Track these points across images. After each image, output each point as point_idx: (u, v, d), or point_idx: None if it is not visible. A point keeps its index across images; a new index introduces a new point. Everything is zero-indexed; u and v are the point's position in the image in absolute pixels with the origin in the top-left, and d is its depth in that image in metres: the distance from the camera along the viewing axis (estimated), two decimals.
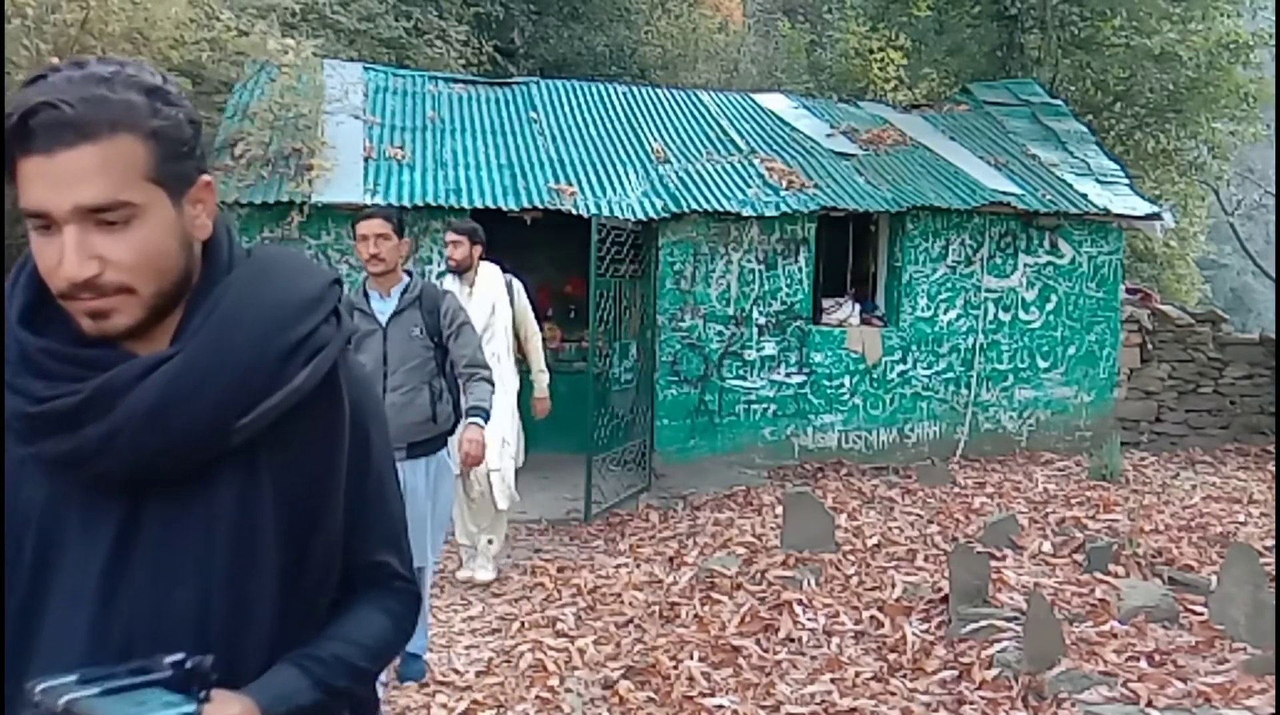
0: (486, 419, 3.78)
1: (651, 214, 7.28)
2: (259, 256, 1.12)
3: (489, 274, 4.86)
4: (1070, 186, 8.56)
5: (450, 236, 4.84)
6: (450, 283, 4.70)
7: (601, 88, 9.72)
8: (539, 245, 7.86)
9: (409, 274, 3.70)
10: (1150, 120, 12.21)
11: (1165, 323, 8.93)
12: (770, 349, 7.73)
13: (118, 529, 1.02)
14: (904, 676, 3.53)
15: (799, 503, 4.88)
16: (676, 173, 8.01)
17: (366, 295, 3.66)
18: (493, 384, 3.83)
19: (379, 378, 3.38)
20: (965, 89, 11.24)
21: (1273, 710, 2.92)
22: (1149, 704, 3.01)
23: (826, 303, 8.14)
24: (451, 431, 3.65)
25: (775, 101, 10.09)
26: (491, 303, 4.79)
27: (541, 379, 5.23)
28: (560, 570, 5.22)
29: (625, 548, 5.69)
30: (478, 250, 4.78)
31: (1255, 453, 8.51)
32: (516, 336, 5.07)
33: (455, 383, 3.67)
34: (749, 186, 7.87)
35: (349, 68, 8.85)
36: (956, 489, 6.56)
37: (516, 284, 4.99)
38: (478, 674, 3.87)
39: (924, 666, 3.55)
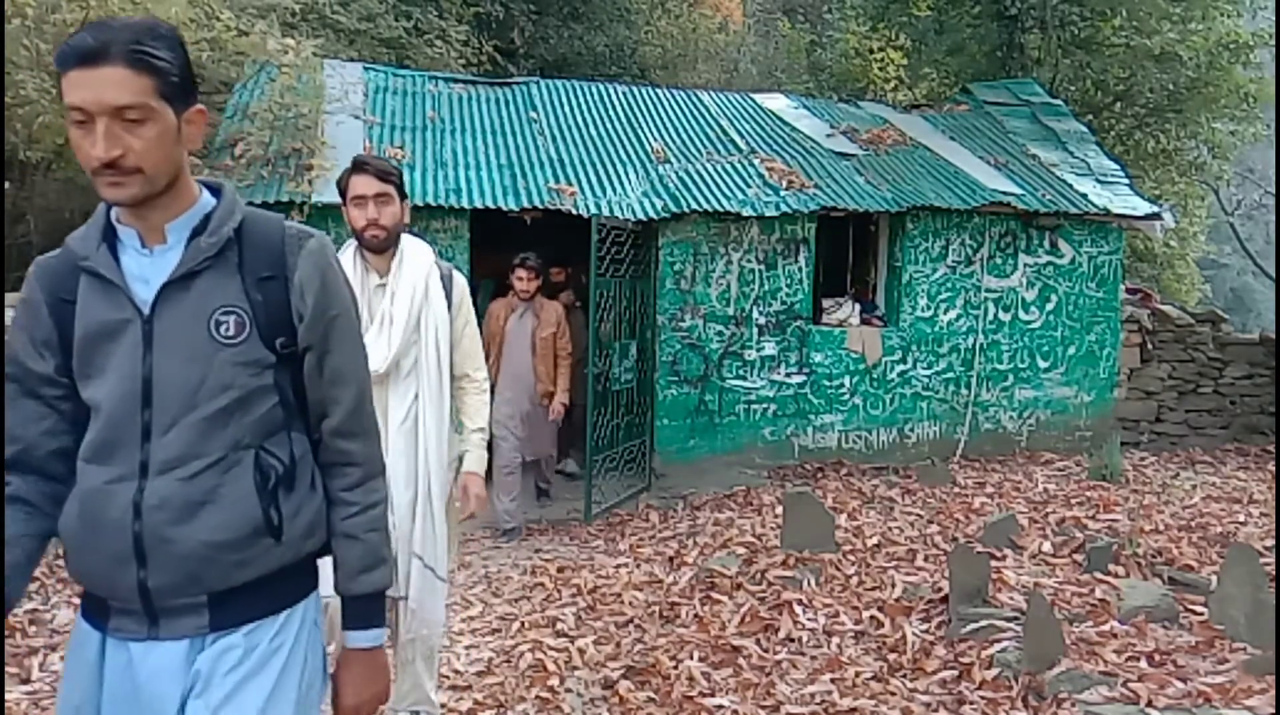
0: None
1: (651, 214, 7.28)
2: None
3: (417, 256, 2.98)
4: (1070, 186, 8.57)
5: (356, 183, 2.85)
6: (349, 261, 2.89)
7: (601, 88, 9.72)
8: (539, 245, 7.85)
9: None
10: (1150, 120, 12.22)
11: (1165, 323, 8.93)
12: (770, 349, 7.73)
13: None
14: (904, 676, 3.53)
15: (799, 503, 4.88)
16: (676, 173, 8.01)
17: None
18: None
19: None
20: (965, 89, 11.25)
21: (1273, 710, 2.92)
22: (1149, 704, 3.01)
23: (826, 303, 8.14)
24: (323, 552, 1.68)
25: (775, 101, 10.09)
26: (416, 303, 2.91)
27: (475, 446, 3.08)
28: (560, 570, 5.22)
29: (625, 548, 5.69)
30: (404, 211, 2.94)
31: (1255, 453, 8.52)
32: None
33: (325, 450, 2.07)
34: (749, 186, 7.87)
35: (349, 68, 8.86)
36: (956, 489, 6.56)
37: (459, 279, 3.12)
38: (478, 674, 3.87)
39: (924, 666, 3.55)
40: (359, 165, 2.85)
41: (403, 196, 2.90)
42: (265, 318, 1.52)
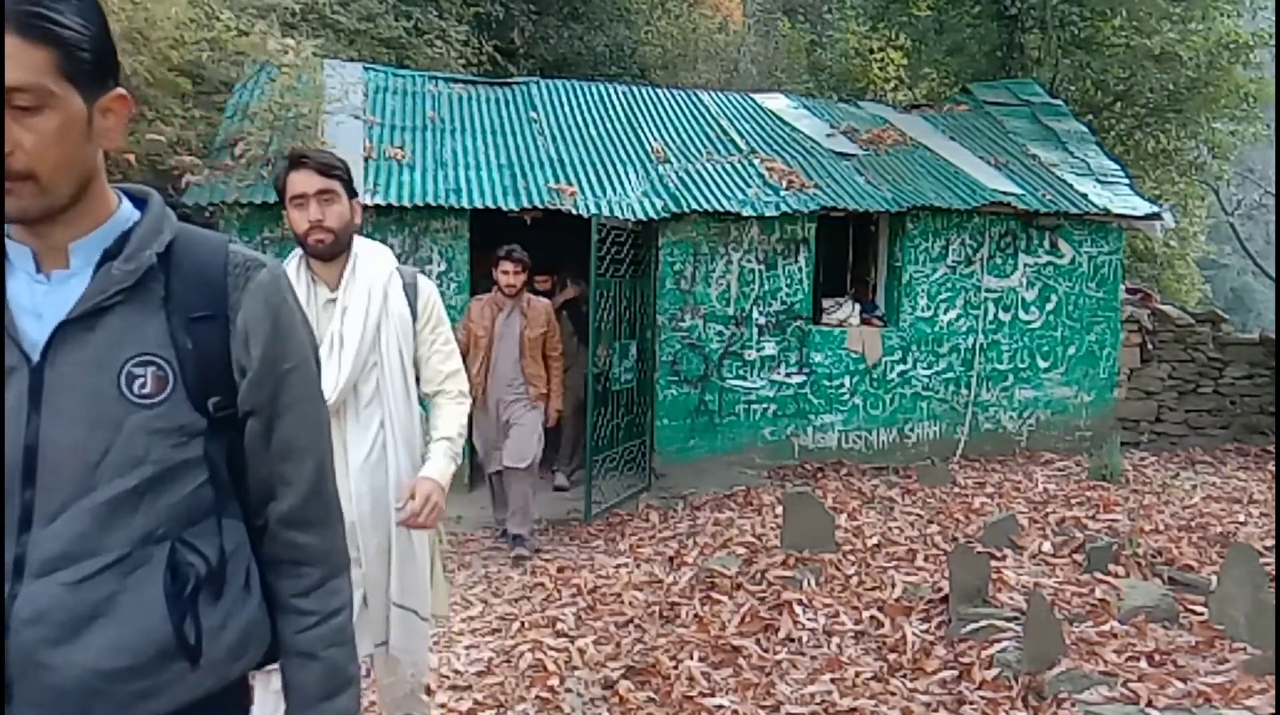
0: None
1: (651, 214, 7.28)
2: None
3: (373, 262, 2.58)
4: (1070, 186, 8.57)
5: (295, 180, 2.46)
6: (293, 274, 2.49)
7: (601, 88, 9.72)
8: (539, 245, 7.86)
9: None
10: (1150, 120, 12.22)
11: (1165, 323, 8.93)
12: (770, 349, 7.73)
13: None
14: (904, 676, 3.53)
15: (799, 503, 4.88)
16: (676, 173, 8.01)
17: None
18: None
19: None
20: (965, 89, 11.24)
21: (1273, 710, 2.92)
22: (1149, 704, 3.01)
23: (826, 303, 8.14)
24: (263, 664, 1.37)
25: (775, 101, 10.09)
26: (373, 319, 2.51)
27: (440, 454, 2.59)
28: (560, 570, 5.22)
29: (625, 548, 5.69)
30: (354, 211, 2.54)
31: (1255, 453, 8.51)
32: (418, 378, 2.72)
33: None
34: (749, 186, 7.87)
35: (349, 68, 8.85)
36: (956, 489, 6.56)
37: (425, 285, 2.71)
38: (478, 674, 3.87)
39: (924, 666, 3.55)
40: (297, 159, 2.46)
41: (351, 193, 2.50)
42: (196, 370, 1.15)
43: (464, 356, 5.37)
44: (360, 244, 2.56)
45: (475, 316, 5.75)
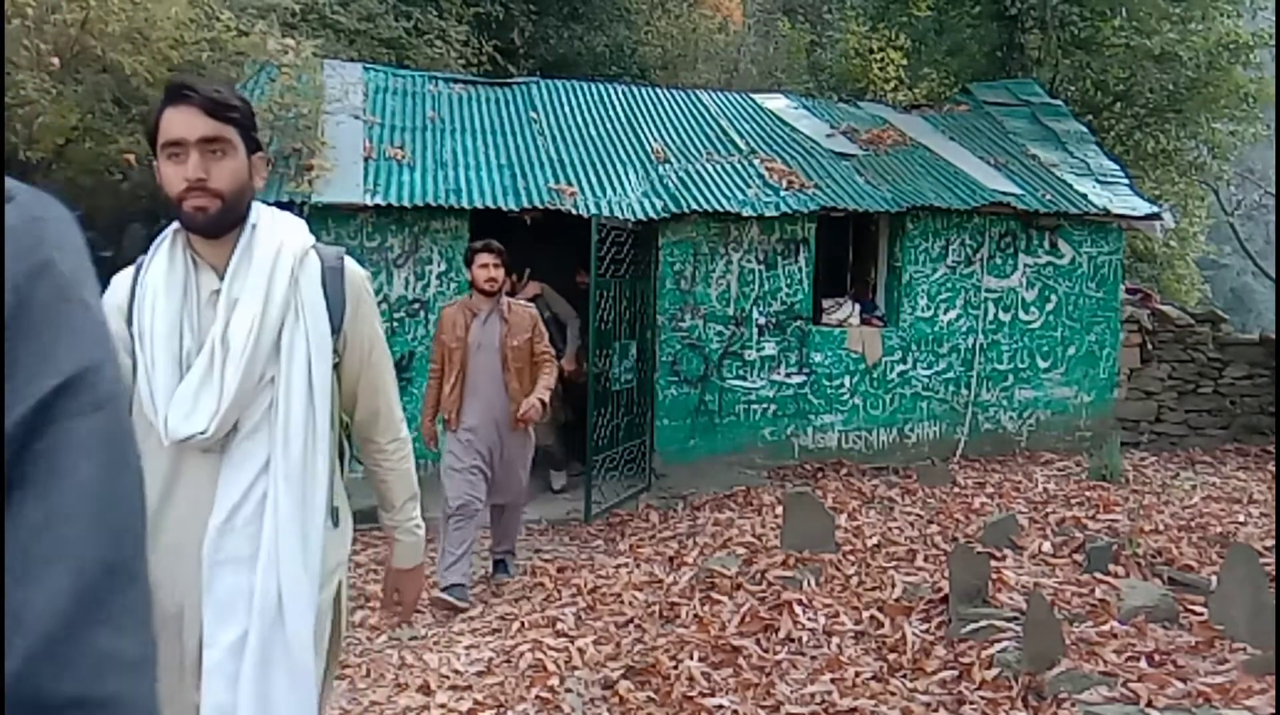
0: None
1: (651, 214, 7.28)
2: None
3: (277, 241, 1.86)
4: (1070, 186, 8.57)
5: (172, 121, 1.75)
6: (164, 256, 1.83)
7: (601, 88, 9.72)
8: (539, 245, 7.86)
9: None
10: (1150, 120, 12.21)
11: (1165, 323, 8.93)
12: (770, 349, 7.73)
13: None
14: (904, 676, 3.53)
15: (799, 503, 4.88)
16: (676, 173, 8.01)
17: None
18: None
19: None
20: (965, 89, 11.25)
21: (1273, 710, 2.92)
22: (1149, 704, 3.01)
23: (826, 303, 8.14)
24: None
25: (775, 101, 10.09)
26: (274, 319, 1.80)
27: (406, 534, 2.12)
28: (560, 570, 5.23)
29: (625, 548, 5.69)
30: (256, 170, 1.85)
31: (1255, 453, 8.51)
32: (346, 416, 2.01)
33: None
34: (749, 186, 7.87)
35: (349, 68, 8.85)
36: (956, 489, 6.56)
37: (355, 273, 1.96)
38: (478, 674, 3.87)
39: (924, 666, 3.55)
40: (176, 92, 1.73)
41: (252, 146, 1.79)
42: None
43: (439, 376, 4.96)
44: (261, 215, 1.84)
45: (446, 324, 4.92)
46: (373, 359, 1.96)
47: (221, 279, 1.79)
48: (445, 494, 4.86)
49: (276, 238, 1.83)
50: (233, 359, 1.75)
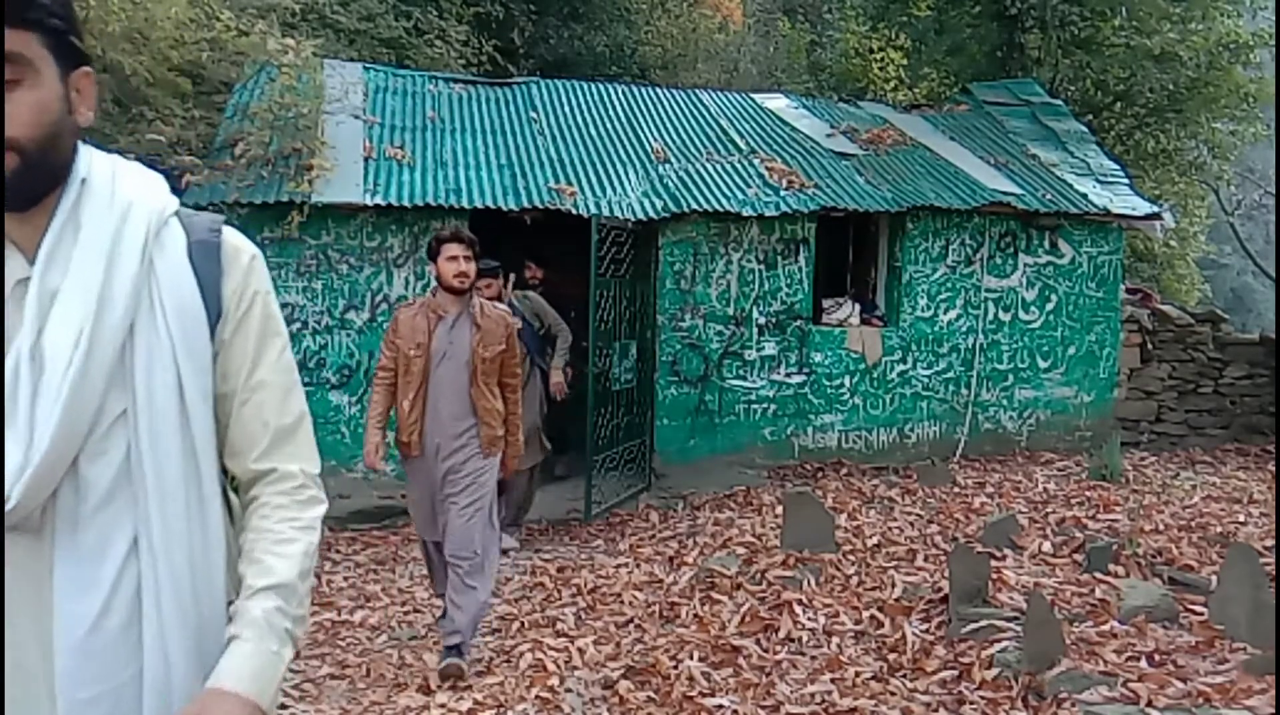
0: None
1: (651, 214, 7.28)
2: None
3: (121, 199, 1.20)
4: (1070, 186, 8.57)
5: None
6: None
7: (601, 88, 9.72)
8: (539, 245, 7.86)
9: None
10: (1150, 120, 12.22)
11: (1165, 323, 8.92)
12: (770, 349, 7.73)
13: None
14: (904, 676, 3.53)
15: (799, 503, 4.88)
16: (676, 173, 8.01)
17: None
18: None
19: None
20: (965, 89, 11.25)
21: (1273, 710, 2.92)
22: (1149, 704, 3.01)
23: (826, 303, 8.14)
24: None
25: (775, 101, 10.09)
26: (116, 319, 1.15)
27: (260, 646, 1.18)
28: (560, 570, 5.23)
29: (625, 548, 5.69)
30: (81, 98, 1.17)
31: (1255, 453, 8.51)
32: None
33: None
34: (749, 186, 7.87)
35: (349, 68, 8.86)
36: (956, 489, 6.55)
37: (237, 248, 1.28)
38: (478, 674, 3.87)
39: (924, 666, 3.55)
40: None
41: (70, 59, 1.16)
42: None
43: (390, 385, 4.05)
44: (95, 167, 1.21)
45: (405, 330, 4.04)
46: (264, 377, 1.28)
47: (32, 264, 1.14)
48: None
49: (119, 200, 1.19)
50: (49, 384, 1.11)
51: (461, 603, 3.95)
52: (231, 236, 1.29)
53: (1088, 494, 6.05)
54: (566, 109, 9.00)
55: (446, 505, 4.00)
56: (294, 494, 1.29)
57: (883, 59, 14.31)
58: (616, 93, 9.59)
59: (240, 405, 1.27)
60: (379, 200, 6.78)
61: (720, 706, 3.38)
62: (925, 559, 4.70)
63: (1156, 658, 3.36)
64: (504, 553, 5.27)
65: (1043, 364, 8.34)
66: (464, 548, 3.96)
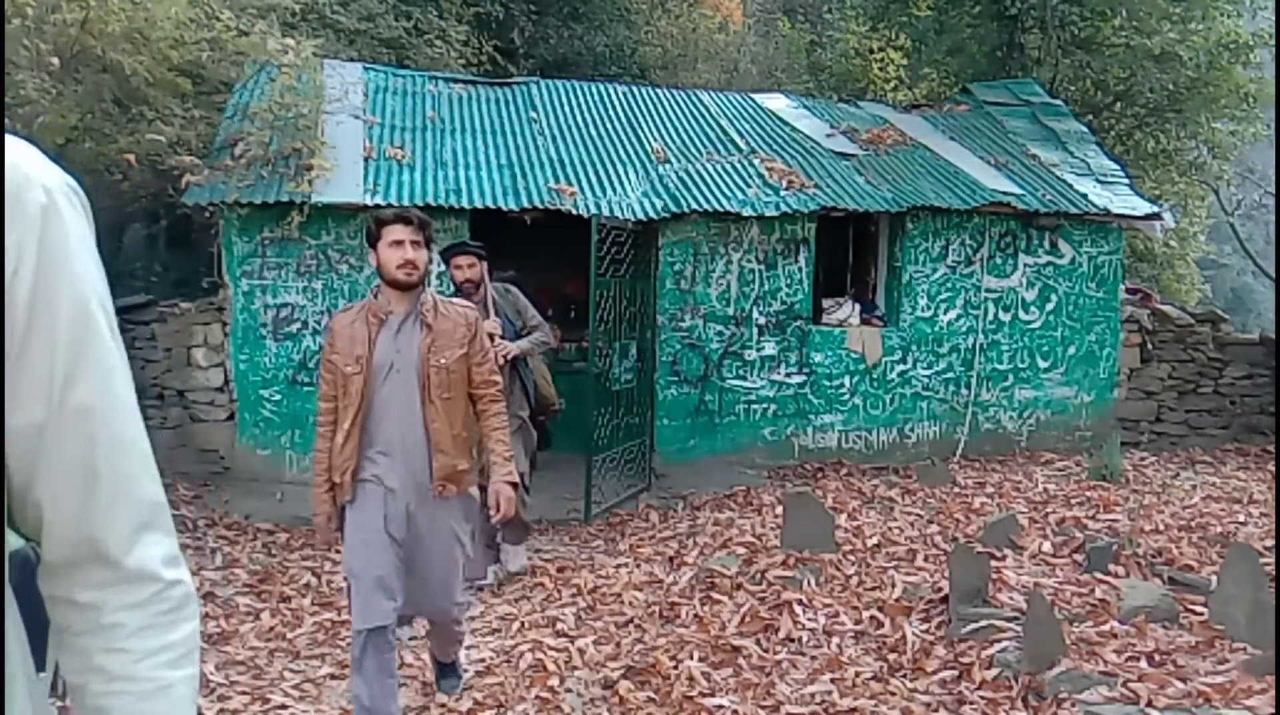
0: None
1: (651, 214, 7.28)
2: None
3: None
4: (1070, 186, 8.57)
5: None
6: None
7: (601, 88, 9.72)
8: (539, 245, 7.86)
9: None
10: (1150, 120, 12.22)
11: (1165, 323, 8.92)
12: (770, 349, 7.73)
13: None
14: (904, 676, 3.53)
15: (799, 503, 4.88)
16: (676, 173, 8.01)
17: None
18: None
19: None
20: (965, 89, 11.25)
21: (1273, 710, 2.92)
22: (1149, 704, 3.01)
23: (826, 303, 8.14)
24: None
25: (775, 101, 10.09)
26: None
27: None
28: (560, 570, 5.22)
29: (625, 548, 5.69)
30: None
31: (1255, 453, 8.50)
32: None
33: None
34: (749, 186, 7.87)
35: (349, 68, 8.86)
36: (956, 489, 6.55)
37: (27, 195, 0.79)
38: (478, 674, 3.87)
39: (924, 666, 3.55)
40: None
41: None
42: None
43: (331, 424, 3.17)
44: None
45: (341, 342, 3.15)
46: (78, 398, 0.83)
47: None
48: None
49: None
50: None
51: (448, 647, 3.57)
52: (54, 192, 0.84)
53: (1088, 494, 6.04)
54: (566, 109, 9.00)
55: (416, 568, 3.17)
56: (157, 597, 0.87)
57: (883, 59, 14.30)
58: (616, 93, 9.59)
59: (47, 429, 0.82)
60: (379, 200, 6.78)
61: (720, 706, 3.38)
62: (925, 559, 4.70)
63: (1156, 658, 3.36)
64: (512, 576, 5.04)
65: (1043, 364, 8.34)
66: (445, 612, 3.36)
